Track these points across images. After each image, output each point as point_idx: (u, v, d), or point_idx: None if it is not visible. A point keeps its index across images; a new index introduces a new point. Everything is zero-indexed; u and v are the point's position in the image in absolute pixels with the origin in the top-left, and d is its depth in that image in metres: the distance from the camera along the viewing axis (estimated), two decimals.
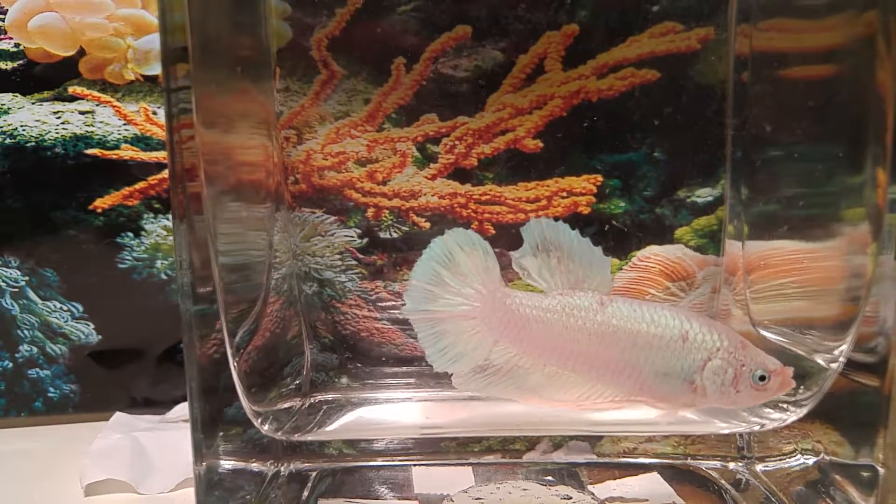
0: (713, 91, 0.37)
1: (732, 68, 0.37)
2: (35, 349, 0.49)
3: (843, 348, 0.32)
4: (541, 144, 0.38)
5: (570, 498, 0.36)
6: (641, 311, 0.32)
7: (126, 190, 0.49)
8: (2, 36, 0.47)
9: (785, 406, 0.35)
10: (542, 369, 0.33)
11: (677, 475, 0.38)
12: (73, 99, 0.48)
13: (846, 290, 0.33)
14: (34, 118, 0.48)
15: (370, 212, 0.39)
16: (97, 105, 0.48)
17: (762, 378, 0.31)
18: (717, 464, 0.39)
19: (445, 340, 0.33)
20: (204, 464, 0.32)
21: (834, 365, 0.33)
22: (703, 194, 0.38)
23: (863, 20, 0.31)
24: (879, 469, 0.31)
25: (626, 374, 0.32)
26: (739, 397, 0.31)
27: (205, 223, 0.31)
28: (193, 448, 0.32)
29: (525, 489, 0.37)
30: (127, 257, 0.49)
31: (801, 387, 0.34)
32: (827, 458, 0.34)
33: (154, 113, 0.49)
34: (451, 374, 0.33)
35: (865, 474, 0.31)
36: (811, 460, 0.35)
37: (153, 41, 0.48)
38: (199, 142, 0.30)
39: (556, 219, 0.32)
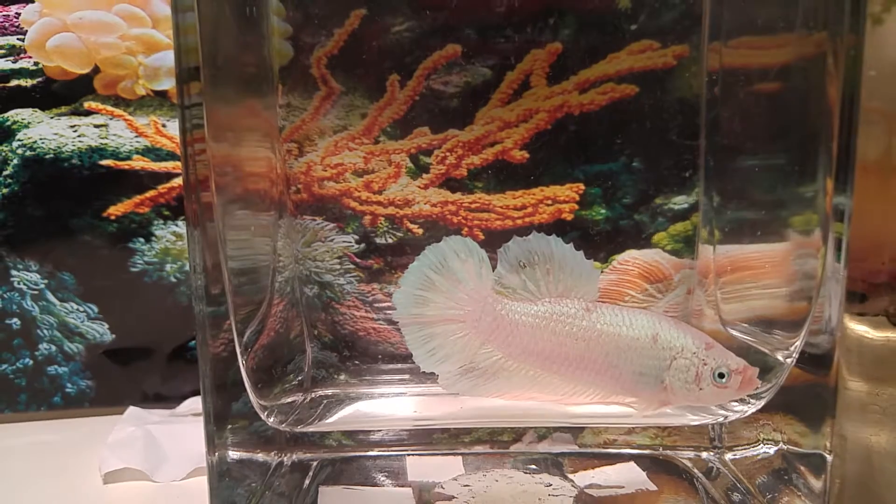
0: (688, 105, 0.38)
1: (705, 83, 0.37)
2: (54, 347, 0.50)
3: (797, 344, 0.33)
4: (527, 155, 0.39)
5: (551, 485, 0.36)
6: (621, 314, 0.33)
7: (137, 198, 0.49)
8: (22, 55, 0.48)
9: (746, 398, 0.36)
10: (527, 372, 0.33)
11: (653, 464, 0.39)
12: (88, 113, 0.49)
13: (801, 291, 0.33)
14: (52, 132, 0.49)
15: (367, 219, 0.40)
16: (111, 119, 0.49)
17: (721, 376, 0.32)
18: (691, 454, 0.39)
19: (433, 343, 0.33)
20: (216, 454, 0.33)
21: (789, 360, 0.34)
22: (679, 201, 0.39)
23: (813, 39, 0.32)
24: (827, 456, 0.32)
25: (609, 374, 0.33)
26: (703, 395, 0.32)
27: (216, 230, 0.31)
28: (206, 439, 0.32)
29: (511, 477, 0.37)
30: (139, 261, 0.50)
31: (762, 379, 0.35)
32: (786, 447, 0.35)
33: (163, 126, 0.49)
34: (438, 376, 0.33)
35: (817, 462, 0.32)
36: (772, 449, 0.36)
37: (163, 59, 0.49)
38: (210, 154, 0.31)
39: (550, 232, 0.32)
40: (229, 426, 0.34)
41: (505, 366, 0.33)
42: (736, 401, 0.36)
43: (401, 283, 0.33)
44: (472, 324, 0.33)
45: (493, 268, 0.33)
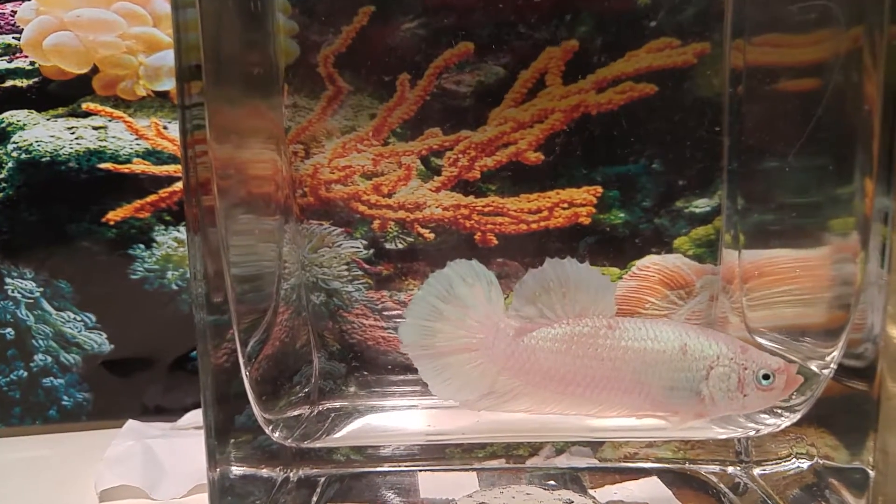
0: (709, 104, 0.37)
1: (728, 82, 0.37)
2: (49, 358, 0.50)
3: (835, 354, 0.32)
4: (542, 157, 0.38)
5: (573, 502, 0.35)
6: (645, 327, 0.32)
7: (137, 203, 0.49)
8: (18, 54, 0.48)
9: (779, 411, 0.35)
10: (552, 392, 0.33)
11: (677, 479, 0.38)
12: (86, 115, 0.49)
13: (837, 298, 0.33)
14: (49, 134, 0.48)
15: (376, 223, 0.40)
16: (110, 121, 0.49)
17: (766, 377, 0.31)
18: (716, 468, 0.39)
19: (448, 373, 0.32)
20: (217, 470, 0.32)
21: (826, 371, 0.33)
22: (701, 205, 0.39)
23: (850, 35, 0.32)
24: (870, 472, 0.31)
25: (637, 392, 0.32)
26: (748, 401, 0.31)
27: (218, 235, 0.31)
28: (207, 454, 0.32)
29: (528, 493, 0.36)
30: (138, 268, 0.49)
31: (795, 392, 0.34)
32: (821, 461, 0.34)
33: (165, 128, 0.49)
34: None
35: (857, 477, 0.32)
36: (806, 464, 0.35)
37: (164, 58, 0.49)
38: (212, 156, 0.31)
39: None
40: (232, 440, 0.33)
41: (524, 391, 0.33)
42: (767, 413, 0.36)
43: (406, 315, 0.33)
44: (486, 351, 0.32)
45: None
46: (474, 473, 0.39)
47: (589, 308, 0.32)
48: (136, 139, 0.49)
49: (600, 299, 0.32)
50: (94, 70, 0.48)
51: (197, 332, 0.31)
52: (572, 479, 0.38)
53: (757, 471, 0.38)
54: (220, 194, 0.31)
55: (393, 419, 0.40)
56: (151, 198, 0.49)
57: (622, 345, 0.32)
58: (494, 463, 0.39)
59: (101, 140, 0.49)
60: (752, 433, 0.37)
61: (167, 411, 0.50)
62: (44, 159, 0.48)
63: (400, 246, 0.40)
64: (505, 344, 0.32)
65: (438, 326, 0.32)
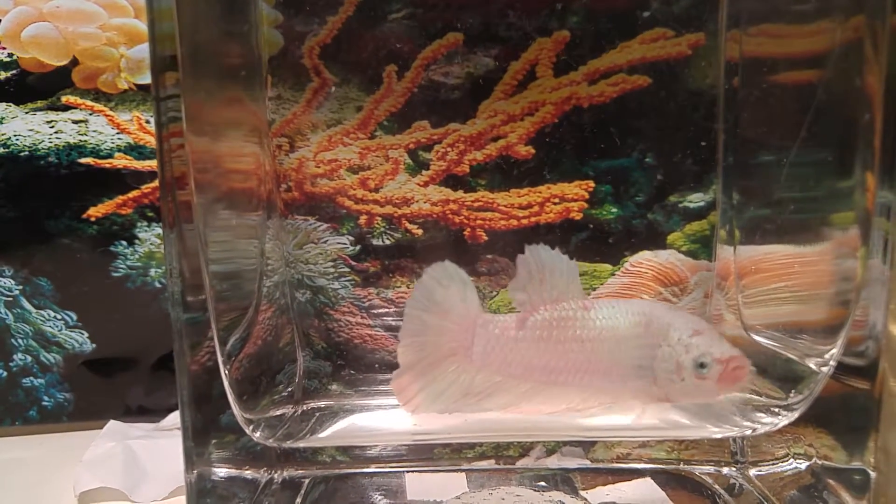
0: (704, 96, 0.37)
1: (723, 74, 0.37)
2: (29, 358, 0.49)
3: (834, 352, 0.32)
4: (533, 151, 0.38)
5: (562, 503, 0.35)
6: (617, 306, 0.32)
7: (119, 199, 0.48)
8: None
9: (776, 410, 0.35)
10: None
11: (671, 480, 0.38)
12: (66, 108, 0.48)
13: (836, 294, 0.33)
14: (27, 127, 0.48)
15: (363, 219, 0.39)
16: (90, 114, 0.48)
17: (702, 366, 0.29)
18: (711, 469, 0.38)
19: (434, 385, 0.32)
20: (195, 471, 0.32)
21: (825, 369, 0.33)
22: (695, 199, 0.38)
23: (850, 25, 0.31)
24: (871, 473, 0.31)
25: (615, 374, 0.31)
26: (685, 388, 0.30)
27: (195, 231, 0.31)
28: (185, 456, 0.32)
29: (518, 495, 0.36)
30: (121, 266, 0.49)
31: (793, 391, 0.34)
32: (819, 462, 0.34)
33: (147, 122, 0.49)
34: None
35: (857, 478, 0.31)
36: (804, 465, 0.35)
37: (146, 50, 0.47)
38: (190, 150, 0.30)
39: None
40: (214, 441, 0.33)
41: (505, 385, 0.33)
42: (763, 412, 0.35)
43: (400, 336, 0.33)
44: (465, 353, 0.32)
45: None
46: (463, 474, 0.38)
47: (564, 293, 0.32)
48: (118, 133, 0.48)
49: (571, 283, 0.32)
50: (74, 62, 0.48)
51: (174, 331, 0.31)
52: (563, 481, 0.38)
53: (753, 471, 0.38)
54: (197, 189, 0.31)
55: (379, 419, 0.40)
56: (133, 194, 0.49)
57: (598, 325, 0.31)
58: (484, 464, 0.39)
59: (81, 134, 0.48)
60: (748, 432, 0.37)
61: (150, 412, 0.50)
62: (22, 154, 0.48)
63: (387, 242, 0.39)
64: (484, 341, 0.32)
65: (425, 340, 0.32)
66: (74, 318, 0.49)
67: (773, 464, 0.37)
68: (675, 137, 0.38)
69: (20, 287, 0.49)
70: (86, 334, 0.49)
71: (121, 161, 0.48)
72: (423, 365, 0.32)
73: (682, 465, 0.39)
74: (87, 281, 0.49)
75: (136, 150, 0.48)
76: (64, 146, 0.48)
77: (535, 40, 0.37)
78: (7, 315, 0.49)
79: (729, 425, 0.37)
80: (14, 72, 0.48)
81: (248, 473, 0.36)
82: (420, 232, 0.39)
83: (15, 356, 0.49)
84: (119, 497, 0.40)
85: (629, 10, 0.37)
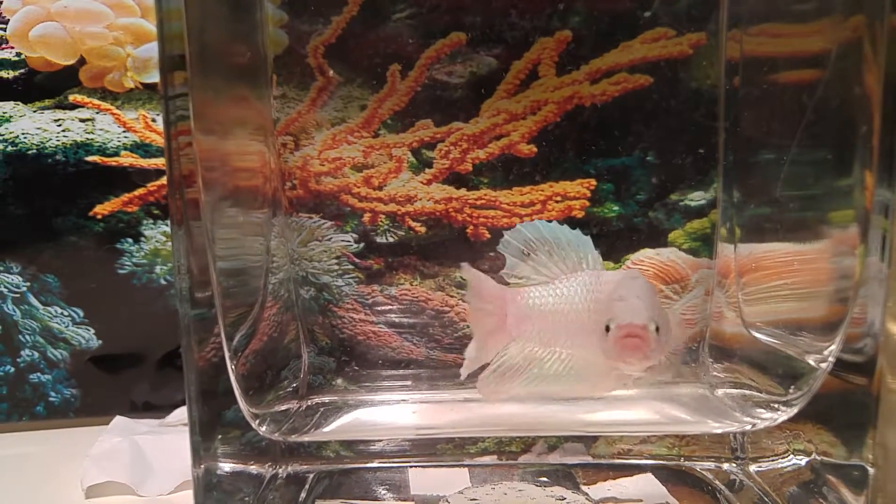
0: (705, 95, 0.37)
1: (724, 73, 0.37)
2: (36, 354, 0.49)
3: (832, 349, 0.32)
4: (535, 149, 0.38)
5: (565, 499, 0.35)
6: (609, 274, 0.32)
7: (125, 196, 0.49)
8: (3, 45, 0.47)
9: (776, 406, 0.35)
10: (559, 356, 0.33)
11: (672, 476, 0.38)
12: (73, 107, 0.48)
13: (835, 292, 0.33)
14: (35, 126, 0.48)
15: (366, 216, 0.39)
16: (97, 113, 0.48)
17: (607, 328, 0.30)
18: (712, 465, 0.38)
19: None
20: (202, 466, 0.32)
21: (823, 365, 0.33)
22: (696, 198, 0.38)
23: (849, 24, 0.31)
24: (869, 469, 0.31)
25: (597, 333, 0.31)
26: (605, 346, 0.30)
27: (203, 229, 0.31)
28: (192, 450, 0.32)
29: (520, 490, 0.37)
30: (126, 263, 0.49)
31: (792, 387, 0.34)
32: (819, 458, 0.34)
33: (153, 120, 0.49)
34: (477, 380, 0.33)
35: (856, 474, 0.31)
36: (803, 461, 0.35)
37: (152, 50, 0.48)
38: (197, 148, 0.31)
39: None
40: (219, 436, 0.33)
41: (535, 354, 0.33)
42: (763, 407, 0.35)
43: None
44: (502, 327, 0.33)
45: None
46: (466, 469, 0.39)
47: (580, 263, 0.32)
48: (124, 132, 0.48)
49: (587, 253, 0.32)
50: (81, 61, 0.48)
51: (181, 327, 0.31)
52: (565, 476, 0.38)
53: (753, 467, 0.38)
54: (205, 187, 0.31)
55: (383, 414, 0.40)
56: (139, 191, 0.49)
57: (603, 288, 0.32)
58: (486, 459, 0.39)
59: (88, 132, 0.48)
60: (747, 427, 0.37)
61: (156, 408, 0.50)
62: (30, 152, 0.48)
63: (391, 240, 0.40)
64: (514, 311, 0.33)
65: (474, 326, 0.34)
66: (81, 314, 0.49)
67: (773, 460, 0.37)
68: (676, 136, 0.38)
69: (27, 284, 0.49)
70: (92, 331, 0.49)
71: (127, 159, 0.48)
72: (482, 353, 0.33)
73: (682, 461, 0.39)
74: (94, 278, 0.49)
75: (141, 149, 0.49)
76: (71, 144, 0.48)
77: (537, 40, 0.37)
78: (14, 311, 0.49)
79: (729, 420, 0.37)
80: (22, 71, 0.48)
81: (253, 468, 0.36)
82: (423, 230, 0.39)
83: (22, 352, 0.49)
84: (126, 491, 0.40)
85: (631, 9, 0.37)
